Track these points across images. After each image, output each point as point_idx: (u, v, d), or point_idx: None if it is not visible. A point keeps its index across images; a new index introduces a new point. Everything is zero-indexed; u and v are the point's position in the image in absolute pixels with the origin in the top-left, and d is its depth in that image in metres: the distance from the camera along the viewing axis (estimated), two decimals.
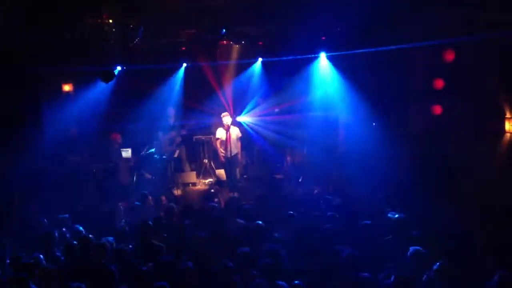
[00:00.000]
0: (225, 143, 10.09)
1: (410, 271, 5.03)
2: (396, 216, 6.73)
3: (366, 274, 5.17)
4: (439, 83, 9.54)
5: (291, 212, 7.25)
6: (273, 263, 5.31)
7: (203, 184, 11.45)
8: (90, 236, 6.54)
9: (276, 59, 11.05)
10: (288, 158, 11.42)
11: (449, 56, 9.34)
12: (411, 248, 5.41)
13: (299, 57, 11.09)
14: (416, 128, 10.07)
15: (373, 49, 9.88)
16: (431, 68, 9.67)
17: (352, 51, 10.35)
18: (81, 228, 7.00)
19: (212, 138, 11.13)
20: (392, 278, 4.76)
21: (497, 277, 4.55)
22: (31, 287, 5.16)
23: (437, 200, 7.95)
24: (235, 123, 10.71)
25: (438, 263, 4.98)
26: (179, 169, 11.50)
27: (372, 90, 10.33)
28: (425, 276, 4.98)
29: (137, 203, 8.34)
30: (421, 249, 5.37)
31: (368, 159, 9.63)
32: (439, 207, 7.68)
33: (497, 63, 8.42)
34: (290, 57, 10.92)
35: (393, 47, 9.17)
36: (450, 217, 7.06)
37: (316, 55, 11.16)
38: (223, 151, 10.31)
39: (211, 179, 11.44)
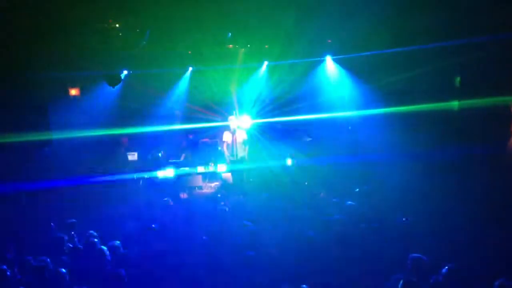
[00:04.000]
0: (231, 146, 10.08)
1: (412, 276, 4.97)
2: (404, 219, 6.70)
3: (373, 276, 5.14)
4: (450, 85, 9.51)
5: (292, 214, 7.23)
6: (278, 267, 5.28)
7: (209, 187, 11.44)
8: (96, 240, 6.54)
9: (282, 62, 11.06)
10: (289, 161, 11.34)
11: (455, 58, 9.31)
12: (410, 256, 5.36)
13: (305, 60, 11.11)
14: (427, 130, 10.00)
15: (377, 52, 9.88)
16: (441, 68, 9.62)
17: (358, 54, 10.36)
18: (94, 232, 6.99)
19: (218, 142, 11.12)
20: (401, 283, 4.72)
21: (497, 283, 4.49)
22: None
23: (447, 202, 7.89)
24: (242, 126, 10.70)
25: (446, 267, 4.93)
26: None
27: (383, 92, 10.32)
28: (432, 280, 4.94)
29: (143, 207, 8.33)
30: (420, 256, 5.33)
31: (378, 162, 9.58)
32: (448, 209, 7.62)
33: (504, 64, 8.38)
34: (296, 60, 10.93)
35: (399, 49, 9.16)
36: (459, 219, 7.00)
37: (322, 58, 11.18)
38: (229, 154, 10.29)
39: (217, 183, 11.43)
